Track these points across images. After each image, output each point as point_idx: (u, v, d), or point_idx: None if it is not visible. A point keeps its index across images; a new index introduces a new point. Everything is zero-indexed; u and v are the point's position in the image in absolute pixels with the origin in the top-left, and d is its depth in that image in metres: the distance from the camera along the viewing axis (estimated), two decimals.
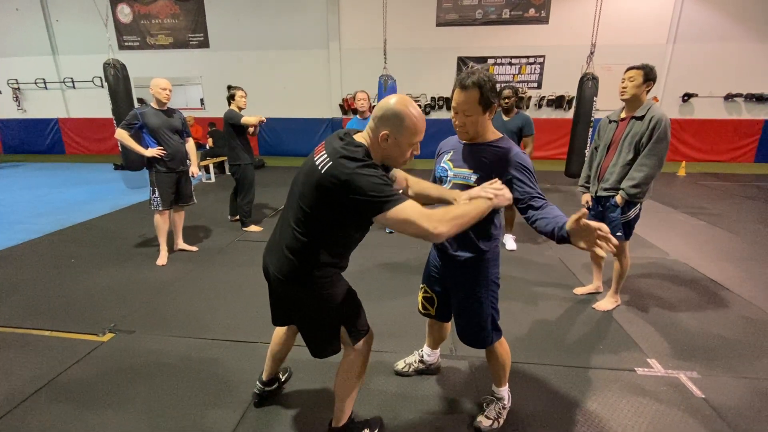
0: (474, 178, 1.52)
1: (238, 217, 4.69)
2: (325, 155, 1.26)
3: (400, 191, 1.38)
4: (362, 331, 1.54)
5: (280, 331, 1.82)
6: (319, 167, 1.25)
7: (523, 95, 9.74)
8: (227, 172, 8.54)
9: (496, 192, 1.35)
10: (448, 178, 1.64)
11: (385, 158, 1.35)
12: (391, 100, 1.29)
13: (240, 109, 4.15)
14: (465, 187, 1.55)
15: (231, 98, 4.15)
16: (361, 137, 1.34)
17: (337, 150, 1.24)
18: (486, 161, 1.51)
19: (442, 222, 1.20)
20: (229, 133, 4.20)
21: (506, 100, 3.73)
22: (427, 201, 1.55)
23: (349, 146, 1.25)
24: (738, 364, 2.25)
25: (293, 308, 1.50)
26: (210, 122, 8.74)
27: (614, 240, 1.15)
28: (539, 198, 1.44)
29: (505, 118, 3.80)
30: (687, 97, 9.39)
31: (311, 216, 1.30)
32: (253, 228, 4.61)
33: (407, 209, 1.18)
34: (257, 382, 1.94)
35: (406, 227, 1.19)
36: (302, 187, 1.32)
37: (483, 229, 1.57)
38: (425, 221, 1.17)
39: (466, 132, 1.53)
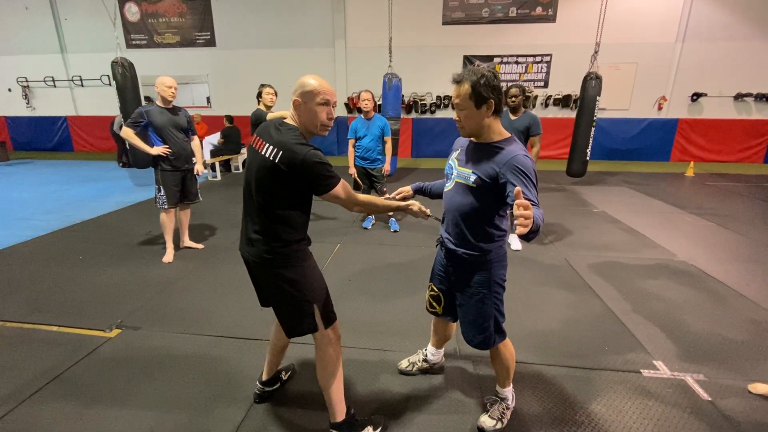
0: (473, 178, 1.51)
1: None
2: (272, 147, 1.43)
3: None
4: (333, 314, 1.66)
5: (277, 326, 1.84)
6: (270, 158, 1.42)
7: (530, 94, 9.68)
8: (233, 170, 8.61)
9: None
10: (452, 176, 1.64)
11: (306, 126, 1.51)
12: (299, 79, 1.51)
13: (267, 107, 4.13)
14: (465, 186, 1.55)
15: (259, 95, 4.14)
16: (289, 120, 1.53)
17: (283, 141, 1.43)
18: (485, 161, 1.49)
19: (357, 203, 1.60)
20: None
21: (513, 99, 3.71)
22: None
23: (290, 132, 1.45)
24: (745, 366, 2.22)
25: (271, 287, 1.59)
26: (227, 116, 8.60)
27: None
28: (531, 203, 1.29)
29: (513, 117, 3.77)
30: (696, 96, 9.29)
31: (272, 201, 1.47)
32: None
33: (341, 188, 1.51)
34: (257, 383, 1.95)
35: (338, 201, 1.55)
36: (258, 179, 1.48)
37: (480, 229, 1.57)
38: (350, 200, 1.57)
39: (462, 127, 1.53)
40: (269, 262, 1.53)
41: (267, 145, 1.45)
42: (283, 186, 1.44)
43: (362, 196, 1.63)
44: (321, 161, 1.43)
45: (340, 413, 1.67)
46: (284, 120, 1.53)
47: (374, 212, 1.72)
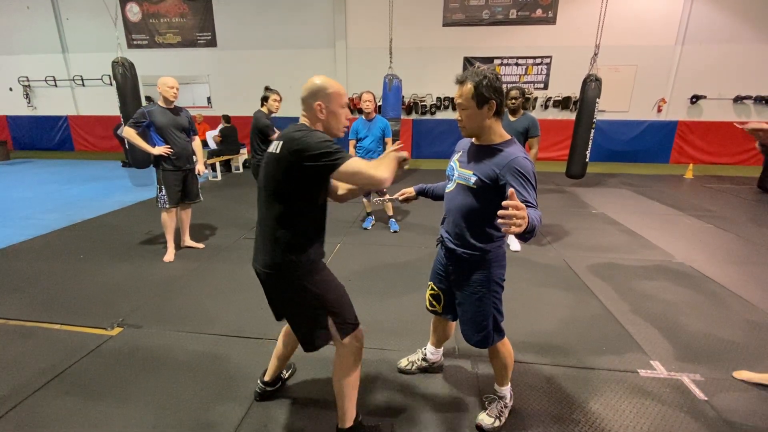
0: (473, 179, 1.53)
1: None
2: (277, 141, 1.44)
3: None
4: (350, 324, 1.59)
5: (285, 332, 1.84)
6: (275, 151, 1.42)
7: (530, 96, 9.72)
8: (233, 171, 8.63)
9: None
10: (453, 178, 1.66)
11: (328, 128, 1.51)
12: (314, 80, 1.49)
13: (271, 112, 4.15)
14: (466, 187, 1.57)
15: (264, 99, 4.14)
16: (302, 120, 1.52)
17: (285, 132, 1.43)
18: (485, 163, 1.51)
19: (382, 169, 1.40)
20: (254, 134, 4.18)
21: (513, 101, 3.74)
22: (353, 194, 1.75)
23: (295, 126, 1.45)
24: (741, 367, 2.23)
25: (282, 300, 1.56)
26: (224, 115, 8.60)
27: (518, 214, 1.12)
28: (529, 205, 1.34)
29: (512, 119, 3.81)
30: (695, 98, 9.32)
31: (280, 199, 1.43)
32: None
33: (355, 163, 1.36)
34: (258, 381, 1.96)
35: (358, 177, 1.37)
36: (266, 177, 1.46)
37: (479, 230, 1.59)
38: (372, 170, 1.38)
39: (464, 127, 1.55)
40: (277, 273, 1.48)
41: (275, 143, 1.45)
42: (289, 177, 1.38)
43: (375, 161, 1.47)
44: (319, 137, 1.36)
45: (349, 419, 1.65)
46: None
47: (396, 170, 1.48)
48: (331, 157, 1.34)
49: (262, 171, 1.48)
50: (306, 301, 1.50)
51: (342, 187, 1.74)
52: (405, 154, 1.57)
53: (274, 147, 1.43)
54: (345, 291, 1.62)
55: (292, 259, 1.47)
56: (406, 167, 1.61)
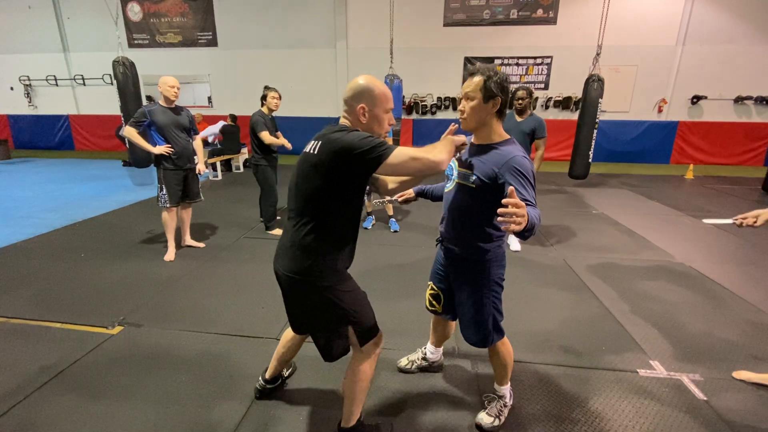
0: (472, 178, 1.54)
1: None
2: (313, 141, 1.40)
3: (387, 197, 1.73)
4: (371, 333, 1.55)
5: (289, 335, 1.82)
6: (312, 152, 1.37)
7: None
8: (234, 170, 8.63)
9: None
10: (452, 177, 1.66)
11: (371, 132, 1.43)
12: (358, 80, 1.43)
13: (270, 110, 4.15)
14: (465, 187, 1.58)
15: (263, 98, 4.15)
16: (342, 122, 1.47)
17: (323, 133, 1.38)
18: (485, 162, 1.51)
19: (437, 152, 1.36)
20: (252, 134, 4.20)
21: (520, 101, 3.72)
22: (406, 186, 1.75)
23: (333, 126, 1.40)
24: (741, 367, 2.23)
25: (303, 307, 1.53)
26: (231, 114, 8.58)
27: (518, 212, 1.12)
28: (528, 204, 1.33)
29: (519, 119, 3.78)
30: (696, 99, 9.31)
31: (313, 202, 1.38)
32: (277, 231, 4.42)
33: (405, 150, 1.31)
34: (260, 378, 1.97)
35: (413, 163, 1.31)
36: (300, 179, 1.40)
37: (479, 230, 1.59)
38: (427, 153, 1.33)
39: (465, 119, 1.55)
40: (299, 279, 1.43)
41: (311, 142, 1.41)
42: (327, 178, 1.32)
43: (429, 146, 1.41)
44: (359, 134, 1.31)
45: (353, 420, 1.65)
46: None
47: (453, 153, 1.47)
48: (377, 150, 1.28)
49: (296, 171, 1.43)
50: (328, 311, 1.47)
51: (392, 181, 1.71)
52: (463, 138, 1.53)
53: (311, 147, 1.38)
54: (367, 298, 1.58)
55: (319, 267, 1.41)
56: (464, 151, 1.58)
